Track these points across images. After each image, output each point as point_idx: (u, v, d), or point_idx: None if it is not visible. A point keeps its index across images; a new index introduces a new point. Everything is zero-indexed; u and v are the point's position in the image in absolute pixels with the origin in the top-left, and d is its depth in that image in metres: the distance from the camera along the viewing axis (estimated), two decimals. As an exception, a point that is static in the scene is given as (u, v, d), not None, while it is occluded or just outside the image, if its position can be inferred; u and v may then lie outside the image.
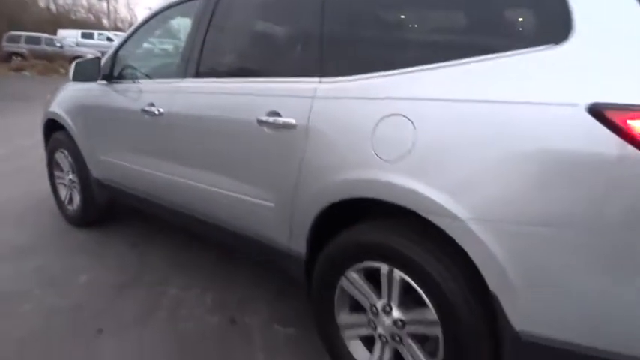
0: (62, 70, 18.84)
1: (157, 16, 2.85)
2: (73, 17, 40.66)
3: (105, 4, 44.75)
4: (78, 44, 25.16)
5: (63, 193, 3.58)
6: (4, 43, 21.70)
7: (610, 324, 1.27)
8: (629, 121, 1.17)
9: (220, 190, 2.25)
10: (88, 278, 2.77)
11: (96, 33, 27.39)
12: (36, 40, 21.92)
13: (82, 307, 2.46)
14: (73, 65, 3.01)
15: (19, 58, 21.05)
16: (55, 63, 19.80)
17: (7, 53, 21.37)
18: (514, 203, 1.33)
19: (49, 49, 21.69)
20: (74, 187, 3.43)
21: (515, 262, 1.35)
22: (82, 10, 43.75)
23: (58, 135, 3.44)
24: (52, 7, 41.16)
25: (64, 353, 2.09)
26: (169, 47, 2.91)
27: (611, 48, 1.27)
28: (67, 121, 3.26)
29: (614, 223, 1.21)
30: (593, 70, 1.27)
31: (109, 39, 26.40)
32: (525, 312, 1.37)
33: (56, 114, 3.37)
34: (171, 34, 3.07)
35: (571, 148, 1.25)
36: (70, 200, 3.52)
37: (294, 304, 2.46)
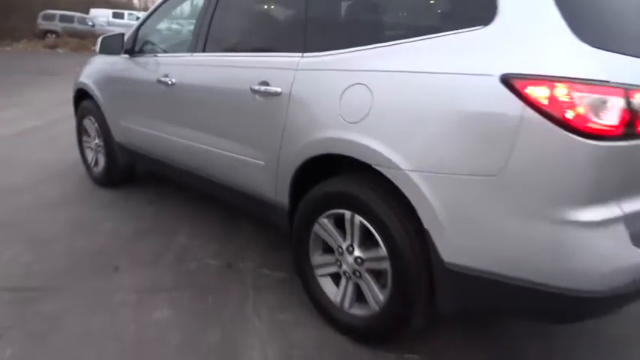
0: (93, 48, 19.45)
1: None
2: (106, -3, 41.64)
3: (137, -16, 45.71)
4: (109, 23, 25.82)
5: (90, 156, 4.00)
6: (40, 21, 22.51)
7: (512, 253, 1.57)
8: (528, 88, 1.46)
9: (221, 151, 2.60)
10: (110, 227, 3.18)
11: (126, 13, 28.02)
12: (69, 19, 22.67)
13: (104, 249, 2.87)
14: (99, 40, 3.38)
15: (54, 36, 21.84)
16: (86, 40, 20.48)
17: (42, 31, 22.19)
18: (442, 156, 1.64)
19: (81, 27, 22.43)
20: (99, 151, 3.84)
21: (442, 204, 1.66)
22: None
23: (86, 103, 3.84)
24: (86, -14, 42.17)
25: (86, 285, 2.49)
26: (183, 25, 3.24)
27: (525, 29, 1.56)
28: (94, 90, 3.66)
29: (517, 171, 1.51)
30: (510, 46, 1.56)
31: (139, 18, 27.00)
32: (451, 245, 1.68)
33: (84, 84, 3.78)
34: (185, 14, 3.39)
35: (487, 110, 1.54)
36: (96, 162, 3.93)
37: (284, 254, 2.80)
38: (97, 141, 3.84)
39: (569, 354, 2.15)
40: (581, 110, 1.42)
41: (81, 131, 4.05)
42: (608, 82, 1.43)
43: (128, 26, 24.83)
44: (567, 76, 1.44)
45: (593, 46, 1.47)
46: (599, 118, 1.42)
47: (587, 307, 1.58)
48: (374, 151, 1.79)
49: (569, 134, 1.42)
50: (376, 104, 1.81)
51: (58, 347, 2.01)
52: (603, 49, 1.49)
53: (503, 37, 1.58)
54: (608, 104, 1.42)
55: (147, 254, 2.84)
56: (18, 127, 6.00)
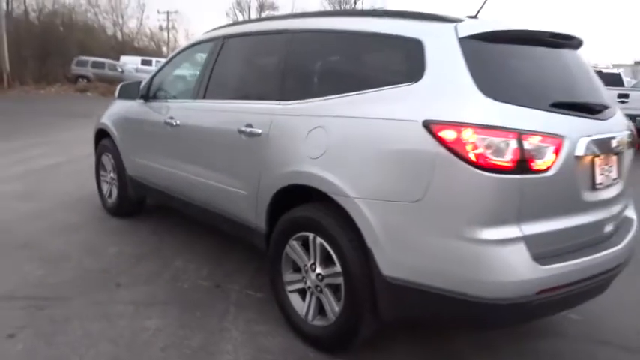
0: (120, 93, 20.63)
1: (182, 52, 3.72)
2: (136, 45, 43.89)
3: (165, 34, 48.27)
4: (137, 70, 27.24)
5: (105, 188, 4.46)
6: (73, 67, 23.98)
7: (436, 267, 1.90)
8: (441, 132, 1.83)
9: (214, 183, 3.00)
10: (115, 250, 3.57)
11: (154, 60, 29.53)
12: (100, 65, 24.10)
13: (109, 268, 3.25)
14: (118, 86, 3.89)
15: (85, 80, 23.19)
16: (114, 85, 21.60)
17: (75, 76, 23.59)
18: (379, 185, 2.01)
19: (111, 73, 23.78)
20: (114, 184, 4.28)
21: (380, 225, 2.01)
22: (145, 39, 47.12)
23: (105, 142, 4.33)
24: (119, 35, 44.69)
25: (91, 297, 2.85)
26: (189, 76, 3.72)
27: (444, 86, 1.95)
28: (112, 130, 4.14)
29: (434, 198, 1.86)
30: (432, 99, 1.95)
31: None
32: (388, 261, 2.01)
33: (104, 124, 4.28)
34: (191, 66, 3.88)
35: (411, 148, 1.92)
36: (110, 194, 4.37)
37: (267, 278, 3.13)
38: (112, 175, 4.30)
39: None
40: (481, 149, 1.78)
41: (99, 166, 4.52)
42: (504, 127, 1.79)
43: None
44: (471, 122, 1.81)
45: (495, 100, 1.85)
46: (496, 156, 1.78)
47: (499, 314, 1.88)
48: (329, 182, 2.17)
49: (472, 168, 1.78)
50: (331, 143, 2.20)
51: (62, 346, 2.36)
52: (503, 102, 1.86)
53: (427, 92, 1.98)
54: (503, 145, 1.78)
55: (146, 274, 3.20)
56: (44, 163, 6.57)
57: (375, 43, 2.31)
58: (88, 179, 5.09)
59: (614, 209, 2.24)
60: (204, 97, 3.18)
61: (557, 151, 1.88)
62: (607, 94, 2.44)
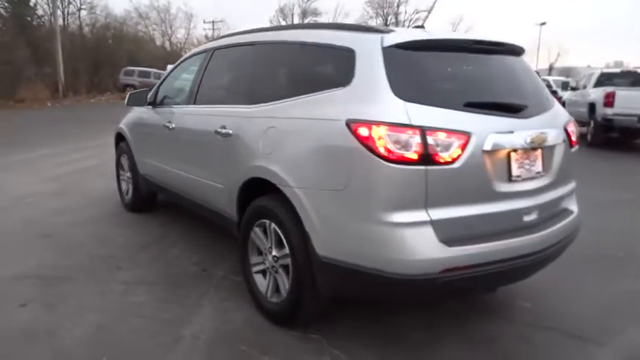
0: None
1: (182, 63, 4.15)
2: (184, 54, 45.62)
3: (211, 43, 49.95)
4: (182, 78, 28.50)
5: (123, 186, 4.96)
6: (121, 76, 25.41)
7: (359, 247, 2.18)
8: (358, 129, 2.12)
9: (200, 179, 3.38)
10: (123, 240, 4.02)
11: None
12: (146, 74, 25.43)
13: (114, 255, 3.69)
14: (127, 95, 4.36)
15: (132, 89, 24.48)
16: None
17: (123, 85, 24.97)
18: (314, 176, 2.31)
19: (156, 81, 24.94)
20: (129, 182, 4.77)
21: (315, 211, 2.31)
22: (192, 47, 48.96)
23: (122, 144, 4.83)
24: (167, 45, 46.73)
25: (93, 277, 3.30)
26: (186, 84, 4.13)
27: (366, 89, 2.23)
28: (127, 133, 4.63)
29: (354, 187, 2.15)
30: (356, 101, 2.24)
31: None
32: (322, 242, 2.31)
33: (121, 129, 4.78)
34: (188, 75, 4.30)
35: (336, 144, 2.21)
36: (127, 192, 4.86)
37: (249, 264, 3.48)
38: (128, 174, 4.78)
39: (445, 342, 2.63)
40: (389, 144, 2.05)
41: (118, 166, 5.03)
42: (409, 124, 2.06)
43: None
44: (381, 120, 2.08)
45: (407, 101, 2.12)
46: (401, 150, 2.04)
47: (410, 289, 2.14)
48: (276, 174, 2.49)
49: (382, 161, 2.05)
50: (279, 140, 2.53)
51: (60, 314, 2.79)
52: (414, 103, 2.12)
53: (353, 95, 2.27)
54: (408, 139, 2.04)
55: (145, 260, 3.63)
56: (81, 165, 7.26)
57: (318, 53, 2.62)
58: (114, 179, 5.63)
59: (538, 200, 2.43)
60: (194, 103, 3.58)
61: (463, 146, 2.12)
62: (541, 96, 2.64)
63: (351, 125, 2.16)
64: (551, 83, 18.17)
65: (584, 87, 11.74)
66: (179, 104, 3.89)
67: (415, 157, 2.05)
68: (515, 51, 2.68)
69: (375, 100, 2.18)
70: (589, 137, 10.53)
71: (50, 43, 23.07)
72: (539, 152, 2.44)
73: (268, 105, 2.74)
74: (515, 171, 2.33)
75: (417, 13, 47.30)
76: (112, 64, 26.69)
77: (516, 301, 3.05)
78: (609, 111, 9.62)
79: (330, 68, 2.58)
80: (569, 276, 3.37)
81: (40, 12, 26.51)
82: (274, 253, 2.66)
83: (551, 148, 2.52)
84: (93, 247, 3.84)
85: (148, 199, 4.75)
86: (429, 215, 2.11)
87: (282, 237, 2.54)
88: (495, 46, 2.52)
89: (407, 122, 2.07)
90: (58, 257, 3.63)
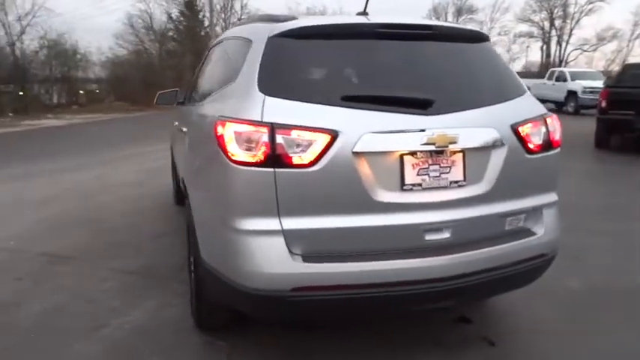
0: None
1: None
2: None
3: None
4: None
5: (172, 182, 5.34)
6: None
7: (221, 255, 2.03)
8: (218, 127, 1.95)
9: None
10: (149, 228, 4.38)
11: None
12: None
13: (129, 242, 4.02)
14: (157, 94, 4.67)
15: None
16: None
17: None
18: (196, 178, 2.22)
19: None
20: (173, 179, 5.12)
21: (197, 214, 2.21)
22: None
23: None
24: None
25: (95, 262, 3.60)
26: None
27: (241, 86, 2.06)
28: (171, 133, 4.98)
29: (214, 188, 2.01)
30: (231, 98, 2.09)
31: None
32: (202, 246, 2.19)
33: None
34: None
35: (210, 144, 2.06)
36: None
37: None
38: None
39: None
40: (237, 143, 1.85)
41: (172, 164, 5.43)
42: (258, 121, 1.83)
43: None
44: (233, 117, 1.89)
45: (269, 95, 1.89)
46: (248, 149, 1.83)
47: (261, 305, 1.92)
48: (183, 180, 2.45)
49: (229, 162, 1.87)
50: (187, 144, 2.49)
51: (45, 290, 3.12)
52: (277, 97, 1.88)
53: (232, 92, 2.11)
54: (256, 138, 1.82)
55: (152, 247, 3.90)
56: (159, 163, 7.67)
57: (235, 46, 2.48)
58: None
59: (454, 215, 1.98)
60: (189, 102, 3.69)
61: (326, 147, 1.82)
62: (477, 90, 2.17)
63: (217, 122, 2.00)
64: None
65: None
66: (190, 102, 4.05)
67: (262, 157, 1.83)
68: (458, 36, 2.22)
69: (241, 94, 2.00)
70: None
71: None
72: (458, 157, 1.99)
73: (204, 103, 2.69)
74: (411, 178, 1.93)
75: (590, 3, 41.84)
76: (160, 85, 28.40)
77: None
78: None
79: (235, 62, 2.43)
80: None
81: (206, 23, 29.78)
82: (190, 257, 2.61)
83: (483, 152, 2.03)
84: (120, 234, 4.23)
85: (180, 192, 5.02)
86: (281, 224, 1.86)
87: (191, 240, 2.48)
88: (414, 30, 2.12)
89: (258, 119, 1.85)
90: (82, 240, 4.06)
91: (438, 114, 1.96)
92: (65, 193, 5.84)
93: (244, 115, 1.88)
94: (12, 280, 3.29)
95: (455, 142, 1.95)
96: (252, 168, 1.84)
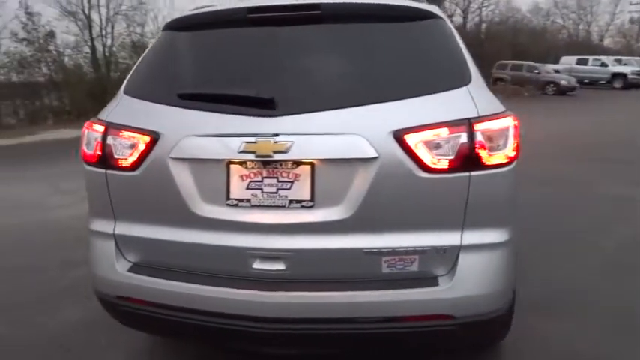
0: (525, 94, 20.52)
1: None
2: (605, 43, 39.60)
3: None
4: (571, 70, 25.85)
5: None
6: (494, 70, 25.17)
7: None
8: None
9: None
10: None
11: (591, 58, 27.03)
12: (519, 67, 24.34)
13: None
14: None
15: (503, 83, 23.97)
16: (523, 87, 21.53)
17: (494, 78, 24.74)
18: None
19: (527, 74, 23.60)
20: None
21: None
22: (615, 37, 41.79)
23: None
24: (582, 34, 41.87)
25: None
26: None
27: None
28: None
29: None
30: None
31: (604, 64, 25.86)
32: None
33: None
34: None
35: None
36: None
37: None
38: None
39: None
40: (84, 144, 1.81)
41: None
42: (103, 121, 1.78)
43: (590, 72, 24.39)
44: (97, 117, 1.86)
45: (127, 95, 1.84)
46: (90, 149, 1.79)
47: (105, 307, 1.88)
48: None
49: (84, 161, 1.84)
50: None
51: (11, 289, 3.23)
52: (132, 97, 1.81)
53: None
54: (94, 138, 1.77)
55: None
56: None
57: None
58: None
59: (292, 243, 1.56)
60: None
61: (146, 149, 1.67)
62: (357, 84, 1.66)
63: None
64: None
65: None
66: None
67: (95, 158, 1.77)
68: (367, 15, 1.71)
69: (117, 94, 1.96)
70: None
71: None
72: (303, 171, 1.55)
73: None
74: (238, 192, 1.60)
75: None
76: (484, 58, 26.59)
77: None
78: None
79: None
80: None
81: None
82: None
83: (343, 166, 1.54)
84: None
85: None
86: (114, 228, 1.78)
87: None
88: (297, 12, 1.71)
89: (103, 119, 1.80)
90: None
91: (283, 115, 1.57)
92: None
93: (100, 116, 1.86)
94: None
95: (284, 152, 1.53)
96: (92, 168, 1.80)
